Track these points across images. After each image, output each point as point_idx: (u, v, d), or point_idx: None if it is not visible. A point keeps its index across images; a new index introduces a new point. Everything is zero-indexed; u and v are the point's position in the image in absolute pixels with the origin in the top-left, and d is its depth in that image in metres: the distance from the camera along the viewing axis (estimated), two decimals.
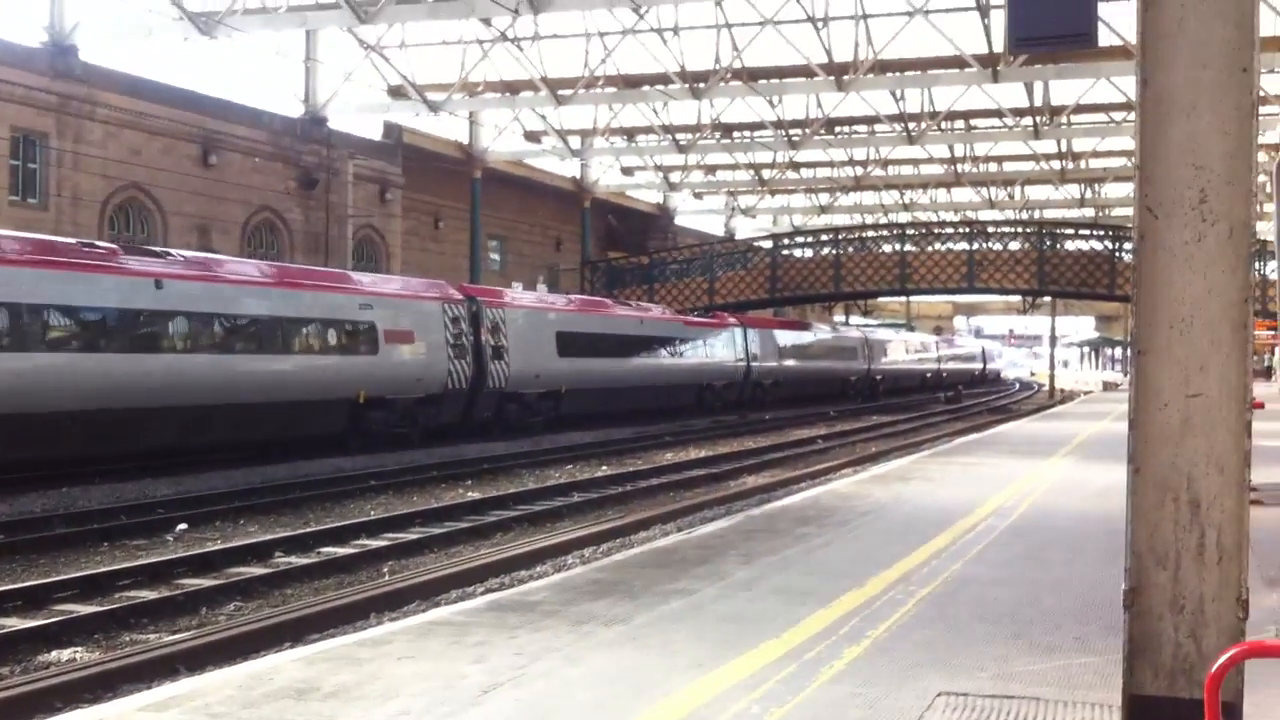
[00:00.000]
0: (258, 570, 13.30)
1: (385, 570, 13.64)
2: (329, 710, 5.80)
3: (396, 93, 42.85)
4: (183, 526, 16.33)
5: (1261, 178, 30.89)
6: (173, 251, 24.04)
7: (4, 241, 19.53)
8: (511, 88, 43.36)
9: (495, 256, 53.45)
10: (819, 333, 57.27)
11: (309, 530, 15.70)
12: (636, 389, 37.75)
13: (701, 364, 43.01)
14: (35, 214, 31.50)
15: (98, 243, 22.87)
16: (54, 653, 9.91)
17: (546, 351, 32.82)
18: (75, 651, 9.97)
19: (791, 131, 49.15)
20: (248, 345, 23.49)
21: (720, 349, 44.67)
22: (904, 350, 69.07)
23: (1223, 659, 3.48)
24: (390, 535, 15.77)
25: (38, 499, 18.13)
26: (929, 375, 72.04)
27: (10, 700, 8.05)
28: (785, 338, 51.36)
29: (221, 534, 16.07)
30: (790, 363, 51.04)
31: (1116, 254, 48.65)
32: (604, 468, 24.87)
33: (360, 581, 12.91)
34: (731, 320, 46.76)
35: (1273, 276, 42.30)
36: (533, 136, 51.28)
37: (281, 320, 24.19)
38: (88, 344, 20.41)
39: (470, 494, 20.18)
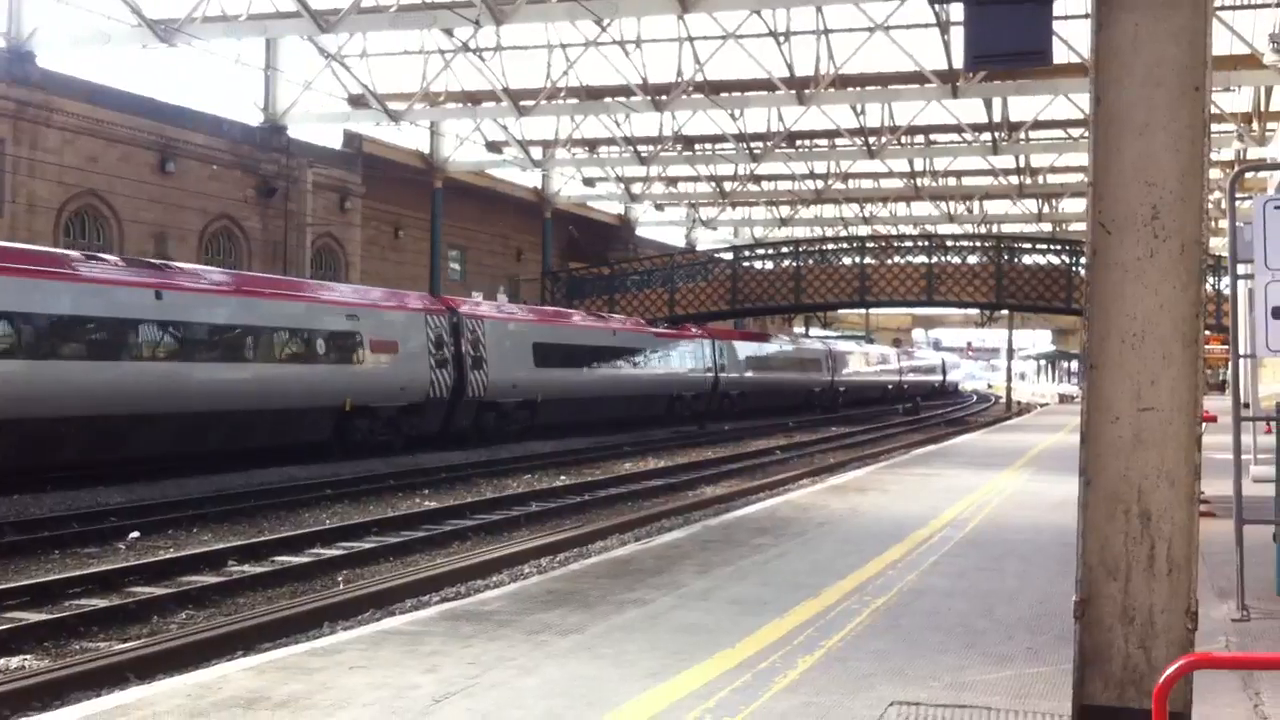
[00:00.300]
0: (210, 579, 13.17)
1: (340, 579, 13.54)
2: None
3: (357, 102, 42.67)
4: (135, 535, 16.17)
5: (1215, 194, 31.24)
6: (171, 264, 24.70)
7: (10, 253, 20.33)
8: (473, 98, 43.27)
9: (456, 266, 53.28)
10: (784, 344, 58.44)
11: (263, 539, 15.58)
12: (609, 399, 38.52)
13: (671, 375, 43.85)
14: None
15: (103, 255, 23.55)
16: (2, 660, 9.78)
17: (523, 362, 33.48)
18: (24, 659, 9.85)
19: (753, 144, 49.31)
20: (241, 354, 24.03)
21: (689, 360, 45.60)
22: (866, 362, 70.29)
23: (1170, 670, 3.51)
24: (345, 544, 15.67)
25: None
26: (890, 387, 73.07)
27: None
28: (752, 349, 52.55)
29: (174, 542, 15.92)
30: (756, 374, 51.99)
31: (1073, 268, 49.06)
32: (562, 478, 24.82)
33: (314, 590, 12.81)
34: (700, 332, 47.60)
35: (1226, 292, 42.73)
36: (494, 147, 51.19)
37: (272, 330, 24.76)
38: (93, 352, 21.00)
39: (427, 503, 20.09)
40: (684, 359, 45.14)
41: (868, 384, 69.15)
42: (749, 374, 51.08)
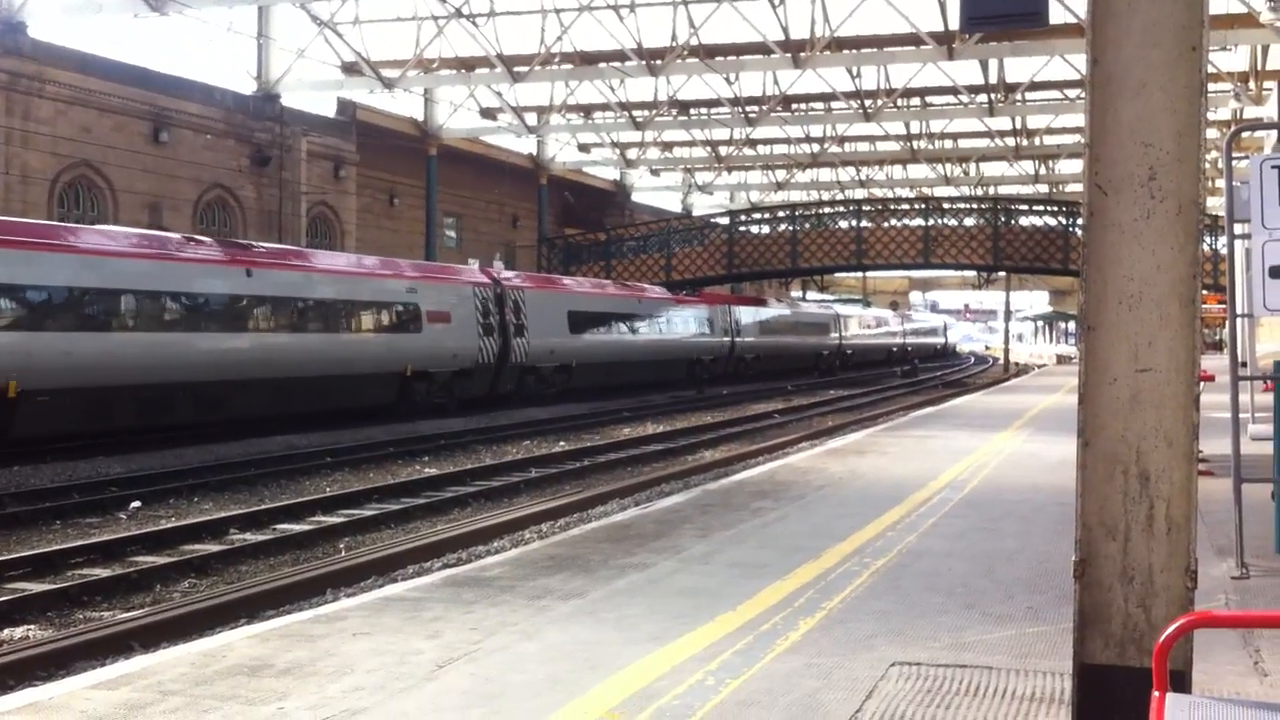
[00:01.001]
0: (212, 547, 13.22)
1: (342, 546, 13.60)
2: (282, 687, 5.78)
3: (350, 69, 42.49)
4: (136, 504, 16.22)
5: (1213, 154, 31.16)
6: (256, 244, 27.33)
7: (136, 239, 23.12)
8: (467, 64, 43.09)
9: (451, 234, 53.22)
10: (795, 310, 60.71)
11: (264, 507, 15.62)
12: (637, 363, 41.38)
13: (692, 340, 46.44)
14: None
15: (199, 238, 25.93)
16: (5, 631, 9.83)
17: (560, 329, 36.21)
18: (28, 629, 9.90)
19: (748, 108, 49.15)
20: (320, 326, 26.56)
21: (708, 326, 48.03)
22: (871, 325, 72.63)
23: (1171, 628, 3.52)
24: (347, 512, 15.72)
25: None
26: (895, 349, 74.89)
27: None
28: (765, 315, 55.09)
29: (176, 511, 15.97)
30: (769, 338, 54.46)
31: (1070, 229, 49.02)
32: (562, 443, 24.88)
33: (316, 558, 12.86)
34: (718, 299, 50.59)
35: (1223, 251, 42.74)
36: (489, 114, 51.02)
37: (346, 303, 27.46)
38: (198, 326, 23.46)
39: (428, 470, 20.13)
40: (703, 325, 47.54)
41: (873, 346, 70.88)
42: (763, 338, 53.54)
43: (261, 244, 27.85)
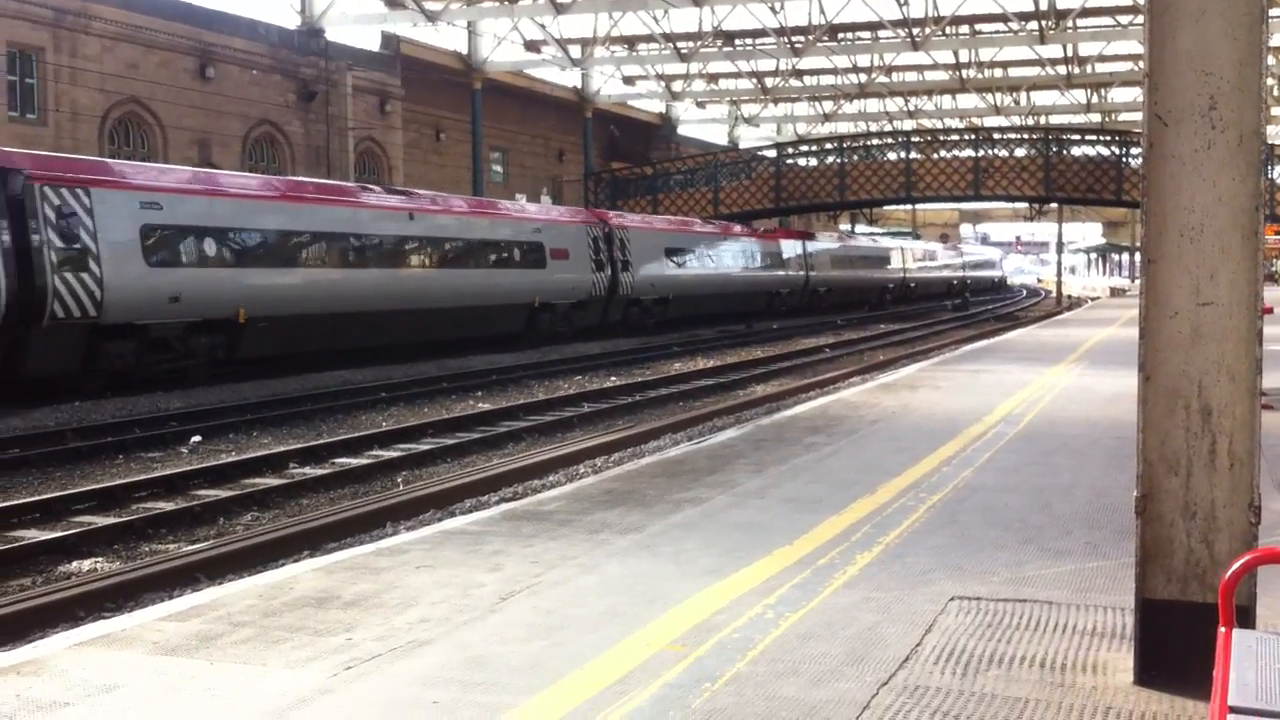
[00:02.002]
0: (273, 481, 13.41)
1: (399, 480, 13.76)
2: (349, 619, 5.89)
3: (394, 2, 42.34)
4: (197, 439, 16.47)
5: (1270, 82, 30.61)
6: (416, 191, 31.33)
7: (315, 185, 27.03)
8: None
9: (498, 169, 53.19)
10: (864, 244, 63.40)
11: (322, 442, 15.80)
12: (725, 295, 44.64)
13: (773, 274, 49.18)
14: (34, 130, 31.34)
15: (370, 185, 30.12)
16: (74, 563, 10.04)
17: (659, 264, 39.54)
18: (95, 562, 10.09)
19: (794, 38, 48.63)
20: (469, 263, 30.47)
21: (786, 260, 50.50)
22: (934, 259, 74.67)
23: (1236, 565, 3.53)
24: (403, 446, 15.89)
25: (51, 413, 18.24)
26: (954, 282, 76.68)
27: (33, 610, 8.17)
28: (837, 249, 57.32)
29: (235, 446, 16.20)
30: (840, 272, 56.60)
31: (1123, 159, 48.34)
32: (613, 378, 24.97)
33: (375, 492, 13.02)
34: (794, 235, 53.48)
35: None
36: (533, 46, 50.73)
37: (487, 243, 31.31)
38: (372, 263, 26.86)
39: (481, 405, 20.28)
40: (781, 260, 50.08)
41: (935, 279, 73.00)
42: (834, 272, 55.66)
43: (420, 190, 31.97)
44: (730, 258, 45.43)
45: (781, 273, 49.77)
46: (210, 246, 22.94)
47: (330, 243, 25.77)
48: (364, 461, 14.65)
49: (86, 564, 10.04)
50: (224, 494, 12.63)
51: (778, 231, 52.96)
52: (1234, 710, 2.93)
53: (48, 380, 20.10)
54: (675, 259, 40.71)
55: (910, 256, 68.43)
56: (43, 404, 19.00)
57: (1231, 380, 4.83)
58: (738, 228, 48.43)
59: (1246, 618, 4.55)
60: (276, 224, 24.41)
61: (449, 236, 29.68)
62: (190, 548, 10.32)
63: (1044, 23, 45.94)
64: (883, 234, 77.59)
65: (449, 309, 28.78)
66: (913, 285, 67.69)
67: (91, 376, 20.63)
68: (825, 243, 56.28)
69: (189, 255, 22.56)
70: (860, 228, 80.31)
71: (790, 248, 50.99)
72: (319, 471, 13.98)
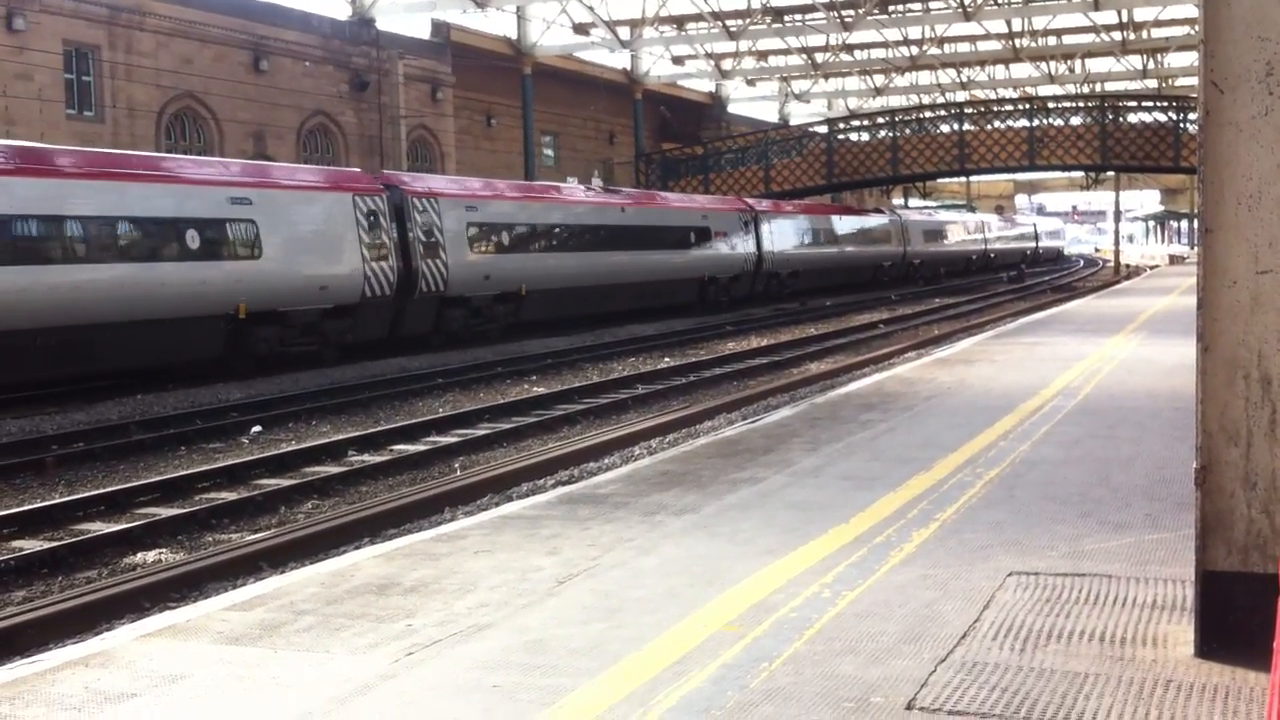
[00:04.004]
0: (333, 469, 13.54)
1: (456, 466, 13.85)
2: (410, 605, 5.95)
3: None
4: (257, 429, 16.65)
5: None
6: (620, 189, 38.68)
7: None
8: None
9: (549, 153, 53.27)
10: (952, 217, 68.85)
11: (380, 429, 15.93)
12: (842, 268, 50.38)
13: (878, 248, 54.17)
14: (92, 126, 31.76)
15: (585, 185, 36.61)
16: (139, 555, 10.18)
17: (791, 243, 45.45)
18: (159, 553, 10.23)
19: (844, 12, 48.28)
20: (665, 244, 36.82)
21: (886, 236, 55.06)
22: (1010, 230, 79.58)
23: None
24: (459, 431, 15.99)
25: (114, 407, 18.52)
26: (1029, 252, 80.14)
27: (100, 602, 8.32)
28: (929, 224, 61.80)
29: (295, 435, 16.36)
30: (934, 245, 61.08)
31: (1181, 125, 47.64)
32: (666, 359, 24.98)
33: (433, 477, 13.11)
34: (890, 212, 58.54)
35: None
36: (581, 29, 50.71)
37: (676, 228, 37.76)
38: (601, 246, 33.40)
39: (536, 389, 20.37)
40: (884, 235, 54.78)
41: (1013, 250, 76.13)
42: (929, 246, 59.90)
43: (626, 189, 40.01)
44: (845, 236, 50.67)
45: (885, 247, 54.54)
46: (506, 238, 29.77)
47: (576, 233, 32.46)
48: (421, 448, 14.75)
49: (151, 555, 10.19)
50: (285, 483, 12.77)
51: (878, 210, 58.60)
52: None
53: (411, 338, 26.51)
54: (803, 238, 46.49)
55: (991, 228, 72.92)
56: (105, 398, 19.29)
57: None
58: (852, 208, 55.13)
59: None
60: (544, 220, 31.49)
61: (650, 224, 36.16)
62: (253, 537, 10.45)
63: None
64: (935, 206, 77.44)
65: (653, 282, 35.70)
66: (993, 255, 71.17)
67: (439, 336, 27.26)
68: (918, 216, 61.55)
69: (495, 245, 29.39)
70: (913, 201, 79.97)
71: (889, 222, 55.94)
72: (378, 458, 14.09)
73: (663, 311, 36.03)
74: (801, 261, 45.92)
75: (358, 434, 15.53)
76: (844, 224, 50.97)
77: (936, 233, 62.17)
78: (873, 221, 54.42)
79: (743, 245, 41.35)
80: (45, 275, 18.81)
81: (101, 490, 12.41)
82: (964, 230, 67.83)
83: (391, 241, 25.52)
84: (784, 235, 44.68)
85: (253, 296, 22.14)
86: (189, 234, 21.17)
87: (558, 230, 32.02)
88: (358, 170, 29.03)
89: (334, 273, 24.17)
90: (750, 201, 44.09)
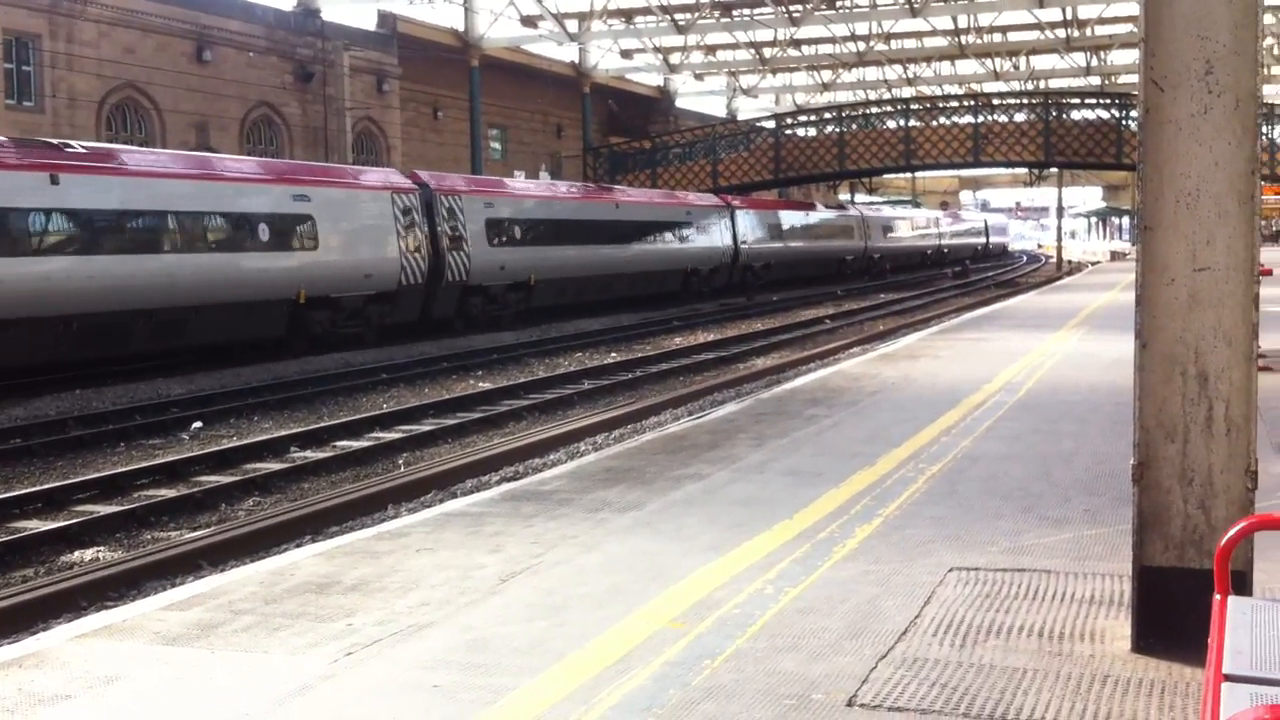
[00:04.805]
0: (274, 466, 13.41)
1: (401, 462, 13.76)
2: (350, 604, 5.90)
3: None
4: (198, 425, 16.47)
5: (1269, 41, 30.41)
6: (613, 187, 42.01)
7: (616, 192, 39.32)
8: None
9: (497, 146, 53.04)
10: (910, 213, 73.00)
11: (323, 425, 15.81)
12: (809, 260, 52.48)
13: (843, 243, 57.05)
14: (31, 117, 31.28)
15: (588, 184, 41.01)
16: (76, 553, 10.04)
17: (764, 237, 47.87)
18: (98, 551, 10.10)
19: (792, 8, 48.42)
20: (654, 239, 39.87)
21: (852, 230, 57.95)
22: (961, 226, 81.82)
23: (1233, 531, 3.52)
24: (404, 427, 15.89)
25: (52, 402, 18.25)
26: (979, 248, 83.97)
27: (36, 601, 8.18)
28: (888, 222, 64.93)
29: (236, 431, 16.20)
30: (892, 241, 64.13)
31: (1123, 122, 48.15)
32: (613, 354, 24.96)
33: (376, 474, 13.03)
34: (854, 211, 61.18)
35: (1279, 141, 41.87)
36: (529, 21, 50.54)
37: (664, 223, 40.43)
38: (593, 240, 35.58)
39: (482, 384, 20.28)
40: (846, 231, 57.59)
41: (963, 245, 79.26)
42: (886, 242, 62.72)
43: (623, 188, 42.86)
44: (812, 231, 53.26)
45: (848, 242, 57.35)
46: (517, 232, 31.98)
47: (577, 228, 34.63)
48: (365, 444, 14.64)
49: (89, 553, 10.05)
50: (226, 479, 12.64)
51: (846, 206, 62.33)
52: (1228, 678, 2.92)
53: (438, 322, 28.97)
54: (774, 233, 48.89)
55: (944, 224, 75.90)
56: (43, 393, 19.00)
57: (1228, 345, 4.81)
58: (819, 206, 57.32)
59: (1243, 584, 4.55)
60: (549, 215, 33.80)
61: (640, 220, 38.81)
62: (192, 535, 10.33)
63: None
64: (881, 201, 78.17)
65: (643, 272, 38.43)
66: (946, 250, 73.80)
67: (462, 320, 29.76)
68: (878, 213, 64.66)
69: (508, 239, 31.58)
70: (860, 197, 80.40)
71: (853, 220, 58.76)
72: (320, 455, 13.98)
73: (649, 300, 38.67)
74: (773, 254, 48.61)
75: (300, 430, 15.40)
76: (811, 219, 53.71)
77: (895, 228, 65.44)
78: (837, 217, 57.44)
79: (721, 239, 43.97)
80: (150, 263, 21.30)
81: (39, 487, 12.22)
82: (919, 226, 70.83)
83: (424, 235, 28.08)
84: (757, 230, 47.29)
85: (311, 283, 24.66)
86: (261, 227, 23.71)
87: (561, 225, 34.13)
88: (395, 170, 30.99)
89: (377, 262, 26.66)
90: (727, 198, 46.50)
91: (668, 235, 40.63)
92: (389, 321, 27.28)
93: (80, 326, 19.94)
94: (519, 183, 36.09)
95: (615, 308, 36.47)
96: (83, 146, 21.28)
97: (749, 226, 46.48)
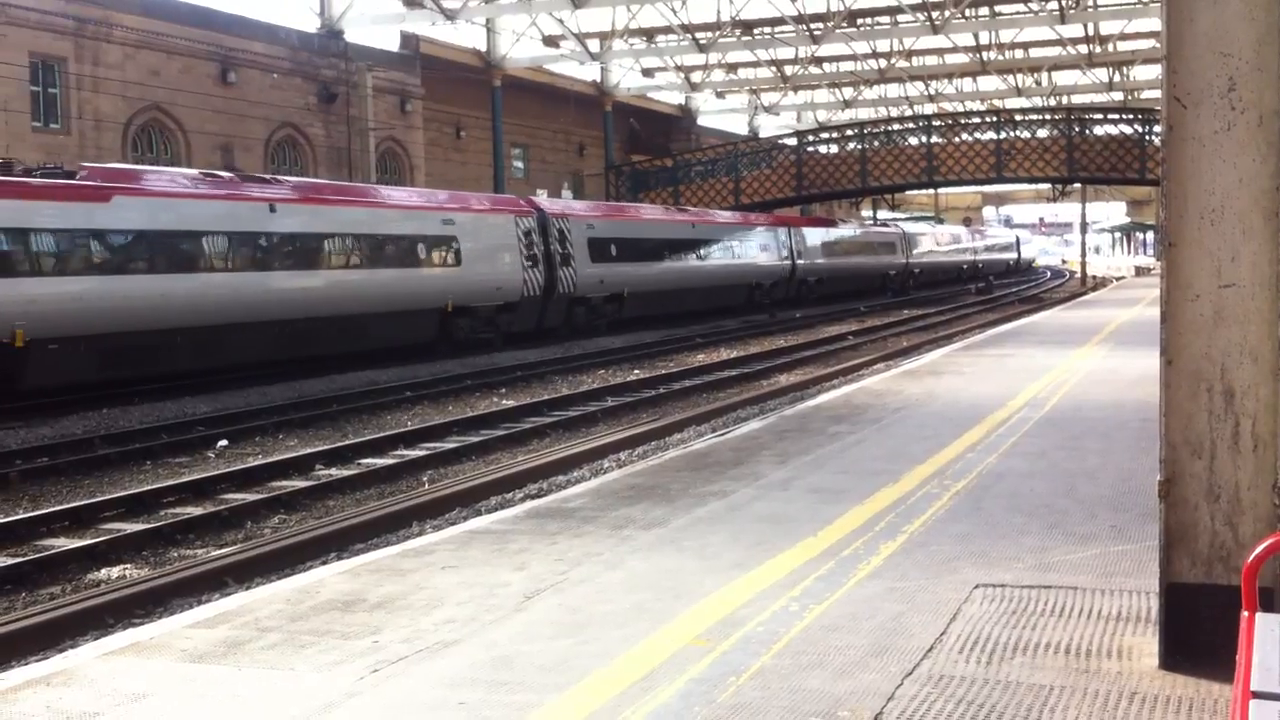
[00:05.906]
0: (300, 483, 13.45)
1: (425, 479, 13.79)
2: (376, 621, 5.91)
3: (412, 2, 42.40)
4: (223, 443, 16.54)
5: None
6: (689, 208, 46.34)
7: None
8: None
9: (519, 165, 53.22)
10: (950, 229, 76.38)
11: (348, 443, 15.86)
12: (859, 275, 55.37)
13: (889, 259, 59.39)
14: (57, 138, 31.54)
15: (669, 204, 46.13)
16: (103, 571, 10.09)
17: (818, 253, 50.90)
18: (124, 569, 10.14)
19: (813, 25, 48.49)
20: (729, 255, 43.56)
21: (893, 248, 59.95)
22: (997, 242, 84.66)
23: (1260, 547, 3.51)
24: (428, 445, 15.93)
25: (79, 421, 18.37)
26: (1010, 263, 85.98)
27: (64, 618, 8.23)
28: (929, 237, 67.50)
29: (262, 449, 16.26)
30: (930, 257, 66.13)
31: (1146, 137, 48.02)
32: (636, 371, 24.97)
33: (401, 491, 13.05)
34: (892, 228, 63.37)
35: None
36: (551, 41, 50.75)
37: (735, 241, 44.07)
38: (682, 258, 40.24)
39: (505, 401, 20.31)
40: (889, 247, 59.68)
41: (997, 260, 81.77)
42: (926, 258, 64.87)
43: (695, 207, 47.27)
44: (860, 246, 56.48)
45: (891, 258, 59.66)
46: (613, 250, 35.58)
47: (661, 246, 38.47)
48: (390, 461, 14.68)
49: (116, 571, 10.10)
50: (251, 497, 12.68)
51: (884, 223, 66.22)
52: (1256, 695, 2.91)
53: (549, 329, 32.58)
54: (826, 249, 51.92)
55: (980, 239, 78.81)
56: (70, 412, 19.13)
57: (1254, 362, 4.79)
58: (866, 224, 62.32)
59: (1270, 601, 4.52)
60: (638, 235, 37.40)
61: (712, 239, 42.51)
62: (218, 552, 10.37)
63: (1064, 2, 45.67)
64: (904, 218, 78.05)
65: (718, 286, 42.05)
66: (980, 266, 75.70)
67: (565, 328, 33.15)
68: (917, 229, 67.36)
69: (606, 256, 35.19)
70: (882, 213, 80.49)
71: (897, 236, 60.98)
72: (345, 472, 14.02)
73: (714, 312, 41.58)
74: (826, 270, 51.70)
75: (326, 448, 15.45)
76: (859, 236, 57.57)
77: (933, 245, 67.93)
78: (881, 234, 60.62)
79: (780, 256, 47.11)
80: (337, 276, 25.69)
81: (66, 505, 12.29)
82: (955, 242, 73.31)
83: (540, 253, 31.99)
84: (812, 247, 50.26)
85: (456, 295, 28.58)
86: (419, 247, 28.04)
87: (647, 244, 37.85)
88: (516, 197, 35.24)
89: (505, 277, 30.68)
90: (791, 218, 50.89)
91: (736, 252, 43.99)
92: (514, 329, 30.93)
93: (303, 328, 24.30)
94: (612, 205, 40.86)
95: (687, 319, 39.32)
96: (290, 181, 26.29)
97: (805, 244, 49.48)
